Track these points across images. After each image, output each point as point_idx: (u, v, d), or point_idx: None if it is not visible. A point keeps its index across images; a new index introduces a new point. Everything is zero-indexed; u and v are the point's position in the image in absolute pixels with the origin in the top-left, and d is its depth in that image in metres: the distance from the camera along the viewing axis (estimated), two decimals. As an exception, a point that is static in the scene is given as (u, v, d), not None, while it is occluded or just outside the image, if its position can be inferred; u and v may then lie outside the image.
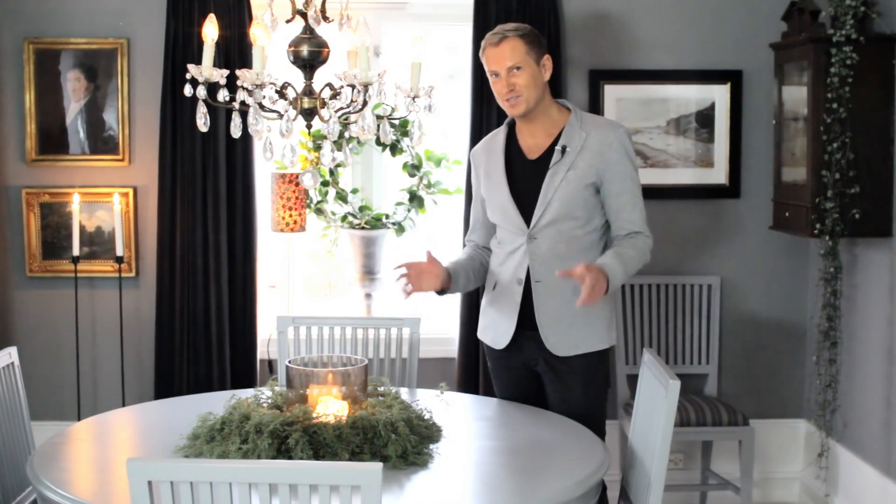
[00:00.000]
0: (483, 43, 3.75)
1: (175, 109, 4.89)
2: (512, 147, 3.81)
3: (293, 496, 2.36)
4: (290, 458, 2.94)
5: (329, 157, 3.13)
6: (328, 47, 3.19)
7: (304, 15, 3.19)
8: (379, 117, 3.22)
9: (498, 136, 3.88)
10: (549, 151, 3.72)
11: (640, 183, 3.75)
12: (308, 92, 3.15)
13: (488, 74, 3.74)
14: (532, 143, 3.77)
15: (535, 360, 3.80)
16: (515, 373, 3.87)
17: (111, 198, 5.00)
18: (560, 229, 3.69)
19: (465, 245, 4.09)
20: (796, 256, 5.21)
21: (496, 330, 3.84)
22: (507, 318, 3.78)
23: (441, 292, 3.82)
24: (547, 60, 3.73)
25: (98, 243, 5.08)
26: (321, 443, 2.99)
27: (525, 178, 3.74)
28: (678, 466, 5.20)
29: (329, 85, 3.13)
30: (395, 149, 5.03)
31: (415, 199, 5.07)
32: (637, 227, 3.70)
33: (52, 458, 3.13)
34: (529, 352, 3.78)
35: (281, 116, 3.06)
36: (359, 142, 4.98)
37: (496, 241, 3.89)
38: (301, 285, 5.38)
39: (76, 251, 4.91)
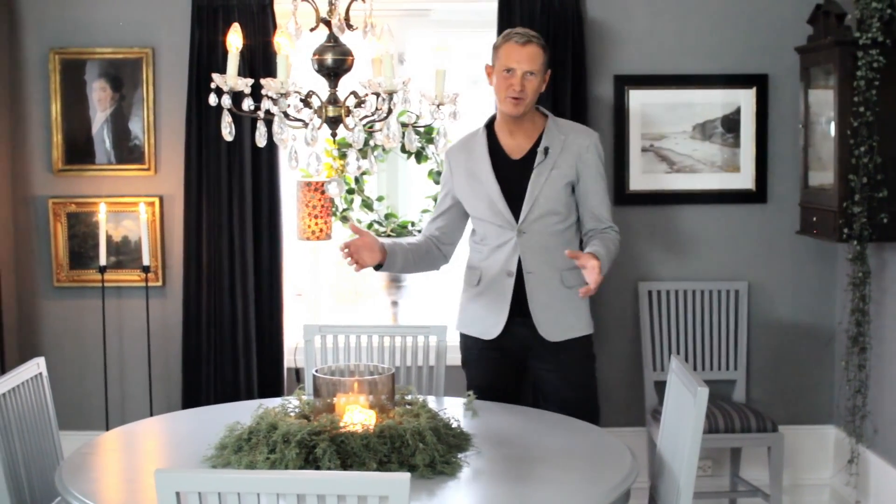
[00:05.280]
0: (505, 36, 4.00)
1: (200, 119, 4.91)
2: (493, 147, 4.05)
3: (321, 506, 2.35)
4: (317, 468, 2.94)
5: (354, 165, 3.15)
6: (352, 55, 3.19)
7: (328, 23, 3.19)
8: (404, 125, 3.21)
9: (477, 137, 4.10)
10: (532, 152, 4.00)
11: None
12: (333, 100, 3.14)
13: (499, 67, 3.95)
14: (513, 144, 4.04)
15: (528, 345, 4.03)
16: (498, 363, 4.10)
17: (137, 207, 5.02)
18: (545, 224, 3.98)
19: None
20: (824, 261, 5.17)
21: (485, 322, 4.06)
22: (497, 309, 4.01)
23: (378, 267, 3.98)
24: (548, 76, 4.02)
25: (124, 253, 5.10)
26: (349, 452, 2.98)
27: (510, 177, 4.00)
28: (707, 473, 5.17)
29: (353, 93, 3.12)
30: (420, 156, 5.03)
31: (440, 207, 5.05)
32: (609, 222, 4.06)
33: (81, 469, 3.14)
34: (522, 338, 4.02)
35: (306, 125, 3.05)
36: (384, 149, 4.98)
37: (476, 238, 4.11)
38: (327, 293, 5.38)
39: (103, 261, 4.93)
